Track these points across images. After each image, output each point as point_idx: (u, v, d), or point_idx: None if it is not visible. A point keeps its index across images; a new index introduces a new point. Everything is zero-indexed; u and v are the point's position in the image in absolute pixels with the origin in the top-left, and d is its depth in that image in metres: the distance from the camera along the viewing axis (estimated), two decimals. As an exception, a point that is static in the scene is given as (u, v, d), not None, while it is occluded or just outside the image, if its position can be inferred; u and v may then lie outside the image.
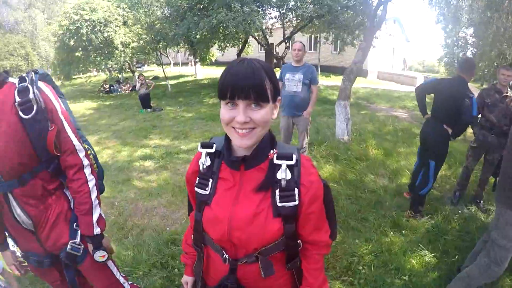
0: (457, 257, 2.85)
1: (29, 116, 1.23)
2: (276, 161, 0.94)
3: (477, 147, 3.77)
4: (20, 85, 1.24)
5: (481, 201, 3.86)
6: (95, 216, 1.42)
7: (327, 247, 1.09)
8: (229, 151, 0.99)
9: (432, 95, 3.54)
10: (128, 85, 17.41)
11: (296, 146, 1.05)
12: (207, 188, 1.00)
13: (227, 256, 1.01)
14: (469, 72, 3.33)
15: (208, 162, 1.01)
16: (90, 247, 1.44)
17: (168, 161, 5.53)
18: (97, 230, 1.42)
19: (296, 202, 0.94)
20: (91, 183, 1.40)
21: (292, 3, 11.71)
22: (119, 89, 17.72)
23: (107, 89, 17.57)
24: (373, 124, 7.58)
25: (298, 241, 1.04)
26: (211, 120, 8.82)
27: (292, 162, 0.94)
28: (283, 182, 0.92)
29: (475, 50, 11.70)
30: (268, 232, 0.94)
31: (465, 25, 11.40)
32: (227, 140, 0.99)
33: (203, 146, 1.03)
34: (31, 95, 1.23)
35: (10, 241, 1.51)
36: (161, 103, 12.55)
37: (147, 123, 8.94)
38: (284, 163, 0.93)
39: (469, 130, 8.22)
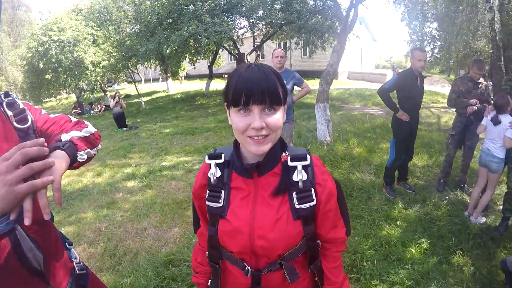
0: (453, 240, 2.98)
1: (25, 126, 1.15)
2: (290, 163, 0.94)
3: (456, 134, 3.96)
4: (8, 99, 1.16)
5: (465, 185, 4.11)
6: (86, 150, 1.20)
7: (343, 244, 1.09)
8: (240, 159, 0.97)
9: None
10: (100, 105, 16.97)
11: (305, 148, 1.04)
12: (220, 201, 0.97)
13: (249, 267, 0.97)
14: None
15: (218, 173, 0.98)
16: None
17: (152, 179, 5.40)
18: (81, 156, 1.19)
19: (314, 202, 0.93)
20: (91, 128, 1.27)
21: (261, 11, 11.82)
22: (92, 110, 17.25)
23: (79, 111, 17.05)
24: (352, 124, 7.71)
25: (318, 241, 1.03)
26: (190, 134, 8.71)
27: (307, 163, 0.94)
28: (300, 183, 0.91)
29: (441, 43, 12.18)
30: (291, 236, 0.93)
31: (430, 20, 11.86)
32: (237, 148, 0.97)
33: (211, 157, 1.00)
34: (22, 106, 1.17)
35: None
36: (136, 120, 12.31)
37: (124, 142, 8.71)
38: (299, 164, 0.93)
39: (443, 120, 8.66)
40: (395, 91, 3.80)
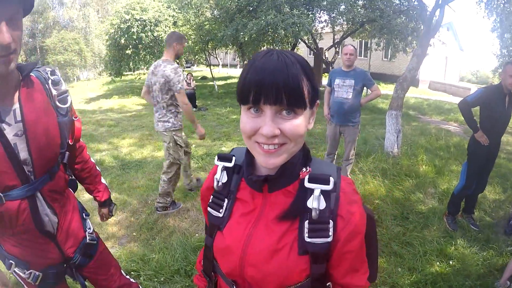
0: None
1: (66, 106, 1.25)
2: (307, 184, 0.73)
3: None
4: (54, 77, 1.24)
5: None
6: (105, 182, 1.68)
7: None
8: (250, 168, 0.80)
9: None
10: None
11: (336, 165, 0.82)
12: (221, 210, 0.82)
13: None
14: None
15: (225, 179, 0.83)
16: (106, 210, 1.70)
17: (207, 162, 5.48)
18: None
19: (330, 239, 0.72)
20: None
21: (343, 6, 11.33)
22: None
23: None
24: (425, 138, 7.03)
25: (328, 284, 0.80)
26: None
27: (329, 188, 0.72)
28: (314, 213, 0.71)
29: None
30: (290, 272, 0.74)
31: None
32: (249, 153, 0.79)
33: (221, 158, 0.85)
34: (64, 87, 1.26)
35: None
36: (207, 103, 12.69)
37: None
38: (317, 187, 0.72)
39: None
40: (478, 108, 3.29)
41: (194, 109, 11.12)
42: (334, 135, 4.22)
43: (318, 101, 0.74)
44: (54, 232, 1.26)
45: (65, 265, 1.36)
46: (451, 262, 2.86)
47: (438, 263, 2.85)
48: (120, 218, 3.58)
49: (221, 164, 0.84)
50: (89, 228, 1.46)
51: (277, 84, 0.62)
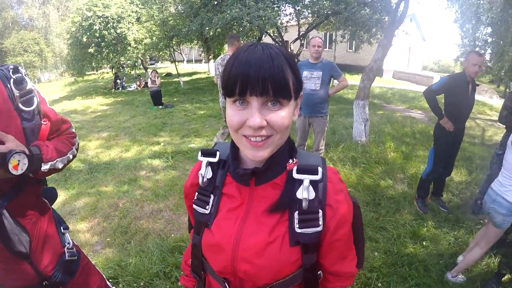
0: (484, 270, 2.64)
1: (30, 108, 1.11)
2: (296, 175, 0.74)
3: (503, 154, 3.50)
4: (16, 75, 1.10)
5: None
6: (54, 161, 1.16)
7: (352, 278, 0.88)
8: (235, 161, 0.79)
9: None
10: (139, 82, 17.35)
11: (321, 156, 0.83)
12: (207, 207, 0.81)
13: None
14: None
15: (210, 174, 0.81)
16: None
17: (177, 160, 5.37)
18: (45, 166, 1.14)
19: (320, 228, 0.73)
20: (74, 150, 1.32)
21: (308, -1, 11.43)
22: (128, 86, 17.60)
23: (117, 86, 17.46)
24: (391, 125, 7.27)
25: (319, 272, 0.83)
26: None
27: (317, 177, 0.73)
28: (304, 203, 0.72)
29: (494, 49, 11.22)
30: (283, 264, 0.75)
31: (484, 24, 10.92)
32: (234, 147, 0.79)
33: (205, 154, 0.84)
34: (29, 86, 1.12)
35: None
36: (173, 99, 12.44)
37: (158, 120, 8.82)
38: (306, 178, 0.73)
39: (488, 133, 7.95)
40: (442, 95, 3.43)
41: (160, 106, 10.90)
42: (303, 127, 4.26)
43: (302, 93, 0.74)
44: (27, 252, 1.15)
45: (44, 283, 1.27)
46: (424, 243, 2.99)
47: (412, 244, 2.97)
48: (92, 224, 3.44)
49: (205, 160, 0.83)
50: (69, 243, 1.34)
51: (263, 75, 0.62)
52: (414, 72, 21.62)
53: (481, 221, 3.36)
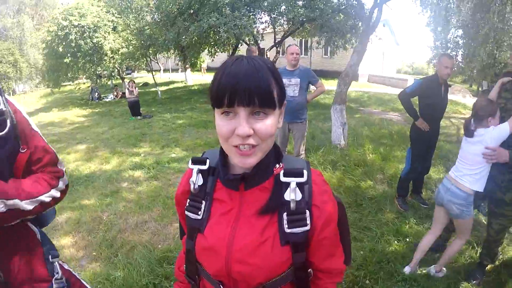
0: (468, 261, 2.76)
1: (2, 133, 0.98)
2: (283, 179, 0.79)
3: None
4: None
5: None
6: (12, 201, 0.98)
7: (341, 274, 0.93)
8: (225, 168, 0.82)
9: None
10: (117, 92, 17.08)
11: (305, 160, 0.89)
12: (199, 212, 0.84)
13: None
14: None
15: (201, 181, 0.85)
16: None
17: (159, 170, 5.33)
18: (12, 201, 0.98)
19: (308, 227, 0.78)
20: (54, 193, 1.11)
21: (283, 7, 11.60)
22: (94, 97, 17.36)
23: (96, 97, 17.17)
24: (368, 128, 7.47)
25: (309, 270, 0.88)
26: (203, 127, 8.61)
27: (303, 179, 0.79)
28: (292, 204, 0.76)
29: (465, 51, 11.73)
30: (275, 263, 0.79)
31: (455, 27, 11.41)
32: (223, 154, 0.82)
33: (195, 162, 0.87)
34: (2, 107, 0.99)
35: None
36: (151, 110, 12.32)
37: (136, 131, 8.71)
38: (293, 180, 0.78)
39: (462, 131, 8.29)
40: (417, 97, 3.59)
41: (139, 117, 10.77)
42: (283, 133, 4.33)
43: (285, 101, 0.79)
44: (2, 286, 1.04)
45: None
46: (407, 239, 3.10)
47: (396, 242, 3.07)
48: (76, 239, 3.37)
49: (195, 167, 0.86)
50: (57, 273, 1.18)
51: (249, 88, 0.67)
52: (388, 76, 22.22)
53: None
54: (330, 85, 15.24)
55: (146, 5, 13.23)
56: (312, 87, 4.50)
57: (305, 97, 4.15)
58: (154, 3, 12.59)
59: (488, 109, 2.22)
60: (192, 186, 0.84)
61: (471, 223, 2.42)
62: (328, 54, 15.88)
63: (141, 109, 11.30)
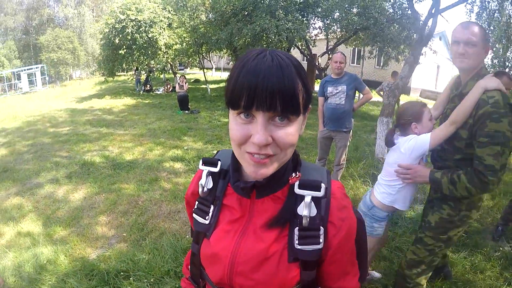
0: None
1: None
2: (298, 191, 0.71)
3: None
4: None
5: None
6: None
7: None
8: (237, 174, 0.76)
9: None
10: (168, 86, 17.80)
11: (325, 169, 0.80)
12: (207, 217, 0.79)
13: None
14: None
15: (210, 185, 0.79)
16: None
17: (199, 165, 5.46)
18: None
19: (320, 246, 0.71)
20: None
21: (337, 14, 11.43)
22: (139, 89, 18.10)
23: (148, 88, 17.99)
24: (414, 145, 7.11)
25: None
26: (247, 128, 8.70)
27: (319, 194, 0.70)
28: (304, 220, 0.69)
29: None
30: (280, 280, 0.72)
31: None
32: (234, 159, 0.74)
33: (206, 162, 0.81)
34: None
35: None
36: (199, 105, 12.68)
37: (182, 124, 9.01)
38: (308, 194, 0.70)
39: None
40: None
41: (186, 111, 11.12)
42: (325, 140, 4.25)
43: (310, 106, 0.70)
44: None
45: None
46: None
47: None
48: (110, 219, 3.56)
49: (206, 169, 0.80)
50: None
51: (271, 89, 0.57)
52: (441, 92, 21.04)
53: (501, 248, 3.23)
54: (380, 97, 14.75)
55: (202, 4, 13.62)
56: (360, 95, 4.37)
57: (351, 105, 4.04)
58: (210, 2, 12.92)
59: (408, 114, 1.92)
60: (200, 190, 0.79)
61: (373, 244, 2.12)
62: (380, 65, 15.40)
63: (189, 104, 11.66)
